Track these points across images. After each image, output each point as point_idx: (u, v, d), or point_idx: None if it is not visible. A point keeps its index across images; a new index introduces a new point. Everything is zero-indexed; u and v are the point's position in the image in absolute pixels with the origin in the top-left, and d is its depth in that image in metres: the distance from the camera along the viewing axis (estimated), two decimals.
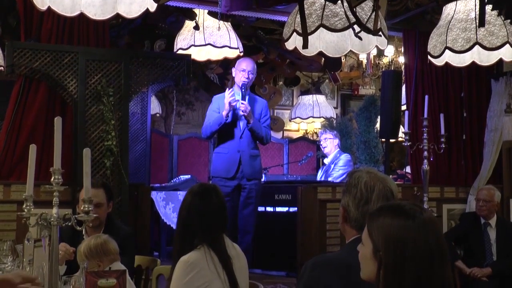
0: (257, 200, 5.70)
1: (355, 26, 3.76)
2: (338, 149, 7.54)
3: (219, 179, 5.58)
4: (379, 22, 3.78)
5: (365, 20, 3.78)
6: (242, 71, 5.65)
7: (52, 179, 2.39)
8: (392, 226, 1.73)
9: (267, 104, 5.98)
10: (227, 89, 5.70)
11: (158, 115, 9.36)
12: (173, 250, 3.04)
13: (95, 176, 4.79)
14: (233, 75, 5.82)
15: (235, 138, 5.64)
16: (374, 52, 9.06)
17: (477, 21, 4.09)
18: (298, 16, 3.93)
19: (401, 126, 6.51)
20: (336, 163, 7.38)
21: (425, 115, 5.70)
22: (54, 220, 2.36)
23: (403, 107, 6.69)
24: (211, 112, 5.72)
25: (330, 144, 7.51)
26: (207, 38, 6.21)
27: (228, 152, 5.63)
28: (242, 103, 5.57)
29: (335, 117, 10.27)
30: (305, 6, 3.92)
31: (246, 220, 5.61)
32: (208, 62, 7.20)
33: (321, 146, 7.75)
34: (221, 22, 6.01)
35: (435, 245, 1.71)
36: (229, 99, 5.53)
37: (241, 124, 5.65)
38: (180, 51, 6.25)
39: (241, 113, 5.58)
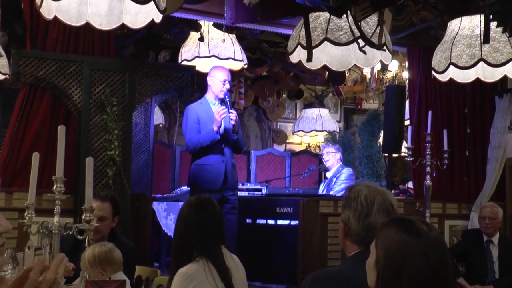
0: (237, 211, 5.66)
1: (360, 41, 3.77)
2: (341, 163, 7.53)
3: (202, 192, 5.38)
4: (383, 37, 3.79)
5: (370, 34, 3.79)
6: (223, 82, 5.52)
7: (54, 188, 2.39)
8: (394, 240, 1.72)
9: (237, 114, 5.85)
10: (217, 103, 5.59)
11: (161, 125, 9.36)
12: (170, 262, 3.03)
13: (97, 187, 4.79)
14: (209, 83, 5.61)
15: (219, 149, 5.51)
16: (378, 66, 9.07)
17: (482, 37, 4.10)
18: (303, 29, 3.94)
19: (404, 141, 6.50)
20: (338, 177, 7.37)
21: (428, 131, 5.69)
22: (55, 229, 2.36)
23: (406, 122, 6.68)
24: (193, 125, 5.53)
25: (332, 158, 7.50)
26: (212, 50, 6.23)
27: (214, 163, 5.48)
28: (231, 113, 5.47)
29: (338, 131, 10.25)
30: (310, 19, 3.94)
31: (231, 230, 5.48)
32: None
33: (323, 160, 7.73)
34: (226, 34, 6.03)
35: (437, 267, 1.68)
36: (220, 113, 5.39)
37: (224, 134, 5.52)
38: (184, 62, 6.27)
39: (232, 122, 5.48)
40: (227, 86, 5.56)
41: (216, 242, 2.98)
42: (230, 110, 5.50)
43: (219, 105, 5.52)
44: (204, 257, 2.90)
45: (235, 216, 5.61)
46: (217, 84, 5.56)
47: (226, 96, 5.52)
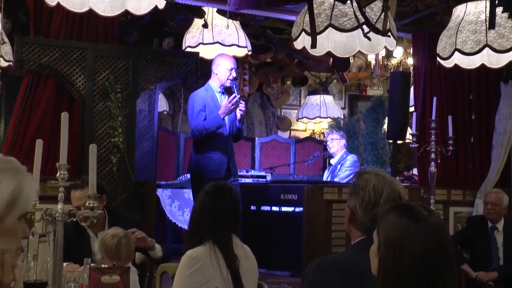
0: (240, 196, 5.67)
1: (364, 27, 3.75)
2: (345, 149, 7.52)
3: (207, 181, 5.38)
4: (388, 23, 3.77)
5: (374, 20, 3.77)
6: (230, 69, 5.49)
7: (57, 175, 2.39)
8: (394, 226, 1.71)
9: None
10: (220, 86, 5.58)
11: (165, 112, 9.36)
12: (184, 247, 3.07)
13: (101, 173, 4.79)
14: (216, 71, 5.55)
15: (222, 138, 5.49)
16: (382, 53, 9.03)
17: (487, 23, 4.07)
18: (307, 15, 3.92)
19: (408, 128, 6.48)
20: (342, 163, 7.36)
21: (433, 117, 5.67)
22: (59, 216, 2.36)
23: (411, 109, 6.66)
24: (199, 112, 5.47)
25: (336, 144, 7.48)
26: (216, 36, 6.20)
27: (217, 153, 5.46)
28: (241, 102, 5.46)
29: (342, 117, 10.24)
30: (314, 5, 3.91)
31: None
32: None
33: (327, 147, 7.72)
34: (230, 20, 6.00)
35: (437, 252, 1.67)
36: (233, 101, 5.34)
37: (227, 123, 5.51)
38: (188, 49, 6.25)
39: (240, 112, 5.48)
40: (234, 74, 5.53)
41: (228, 228, 2.99)
42: (241, 100, 5.49)
43: (224, 95, 5.48)
44: (211, 241, 2.92)
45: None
46: (224, 72, 5.51)
47: (234, 86, 5.49)
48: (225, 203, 3.00)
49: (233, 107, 5.38)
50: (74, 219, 2.39)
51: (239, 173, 6.07)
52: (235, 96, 5.37)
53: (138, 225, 3.67)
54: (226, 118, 5.47)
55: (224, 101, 5.45)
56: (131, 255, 3.18)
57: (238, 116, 5.53)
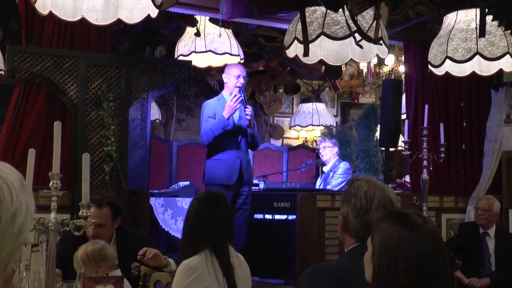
0: (251, 206, 5.71)
1: (356, 35, 3.77)
2: (337, 157, 7.54)
3: (217, 187, 5.42)
4: (380, 31, 3.79)
5: (366, 28, 3.79)
6: (237, 77, 5.57)
7: (50, 184, 2.38)
8: (389, 233, 1.72)
9: (252, 109, 5.91)
10: (229, 94, 5.62)
11: (158, 121, 9.35)
12: (179, 256, 3.06)
13: (94, 182, 4.78)
14: (225, 80, 5.69)
15: (234, 144, 5.57)
16: (374, 61, 9.06)
17: (478, 31, 4.10)
18: (299, 24, 3.94)
19: (401, 135, 6.50)
20: (335, 171, 7.37)
21: (425, 125, 5.70)
22: (52, 225, 2.35)
23: (403, 116, 6.69)
24: (208, 119, 5.58)
25: (329, 152, 7.50)
26: (208, 45, 6.21)
27: (229, 159, 5.54)
28: (247, 108, 5.54)
29: (334, 125, 10.26)
30: (307, 14, 3.93)
31: (241, 225, 5.58)
32: (209, 68, 7.21)
33: (320, 154, 7.73)
34: (222, 29, 6.02)
35: (432, 259, 1.68)
36: (234, 99, 5.42)
37: (239, 129, 5.61)
38: (181, 58, 6.25)
39: (247, 117, 5.54)
40: (241, 80, 5.59)
41: (223, 237, 2.98)
42: (246, 106, 5.52)
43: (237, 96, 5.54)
44: (208, 250, 2.91)
45: (246, 212, 5.64)
46: (231, 79, 5.61)
47: (241, 93, 5.53)
48: (221, 211, 3.00)
49: (235, 105, 5.44)
50: (67, 229, 2.39)
51: None
52: (235, 95, 5.44)
53: (145, 243, 3.68)
54: (235, 121, 5.53)
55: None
56: (115, 257, 3.15)
57: (246, 122, 5.58)
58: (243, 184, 5.58)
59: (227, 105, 5.47)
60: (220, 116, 5.47)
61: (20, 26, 5.21)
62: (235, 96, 5.45)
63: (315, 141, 10.30)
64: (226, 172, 5.53)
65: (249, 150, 5.81)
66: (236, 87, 5.56)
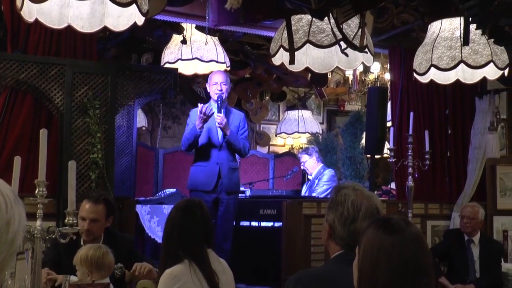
0: (234, 215, 5.72)
1: (342, 43, 3.80)
2: (321, 164, 7.57)
3: (197, 193, 5.54)
4: (365, 39, 3.82)
5: (352, 36, 3.82)
6: (214, 84, 5.64)
7: (36, 191, 2.38)
8: (371, 238, 1.74)
9: (244, 116, 5.97)
10: (199, 104, 5.67)
11: (144, 128, 9.33)
12: (159, 264, 3.06)
13: (80, 190, 4.76)
14: (208, 90, 5.80)
15: (214, 151, 5.63)
16: (360, 68, 9.11)
17: (462, 39, 4.15)
18: (285, 31, 3.96)
19: (386, 143, 6.54)
20: (320, 178, 7.40)
21: (410, 132, 5.73)
22: (38, 233, 2.34)
23: (389, 124, 6.73)
24: (188, 126, 5.75)
25: (310, 163, 7.55)
26: (194, 52, 6.22)
27: (207, 165, 5.61)
28: (217, 115, 5.56)
29: (320, 132, 10.29)
30: (292, 22, 3.96)
31: (224, 233, 5.60)
32: (195, 76, 7.21)
33: (305, 170, 7.78)
34: (209, 36, 6.04)
35: (413, 262, 1.69)
36: (203, 110, 5.48)
37: (220, 136, 5.64)
38: (167, 65, 6.26)
39: (217, 125, 5.57)
40: (218, 88, 5.62)
41: (202, 244, 2.99)
42: (217, 114, 5.54)
43: (206, 105, 5.56)
44: (189, 258, 2.91)
45: (229, 221, 5.65)
46: (210, 87, 5.70)
47: (219, 99, 5.57)
48: (196, 218, 3.02)
49: (202, 115, 5.48)
50: (53, 236, 2.38)
51: None
52: (203, 106, 5.51)
53: (132, 247, 3.82)
54: (216, 131, 5.61)
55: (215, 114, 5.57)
56: (112, 267, 3.18)
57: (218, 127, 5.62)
58: (222, 191, 5.59)
59: (198, 115, 5.54)
60: (193, 125, 5.58)
61: (5, 33, 5.18)
62: (202, 107, 5.50)
63: (301, 148, 10.32)
64: (203, 178, 5.61)
65: (236, 157, 5.81)
66: (215, 93, 5.60)
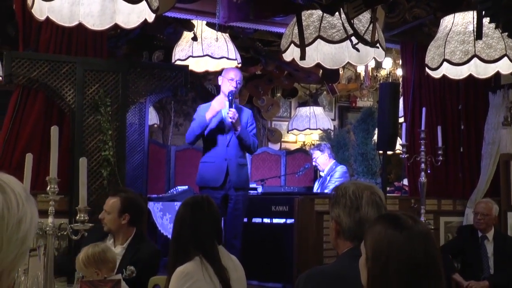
0: (244, 212, 5.68)
1: (353, 38, 3.77)
2: (333, 160, 7.53)
3: (207, 190, 5.49)
4: (376, 34, 3.80)
5: (363, 32, 3.80)
6: (231, 80, 5.57)
7: (48, 188, 2.38)
8: (380, 235, 1.73)
9: (252, 113, 5.94)
10: (224, 96, 5.65)
11: (156, 125, 9.35)
12: (168, 261, 3.05)
13: (92, 187, 4.79)
14: (220, 83, 5.70)
15: (222, 147, 5.58)
16: (372, 64, 9.07)
17: (475, 33, 4.11)
18: (296, 27, 3.95)
19: (398, 138, 6.50)
20: (332, 175, 7.37)
21: (423, 127, 5.70)
22: (50, 230, 2.35)
23: (401, 119, 6.69)
24: (194, 119, 5.72)
25: (322, 159, 7.51)
26: (205, 49, 6.22)
27: (215, 161, 5.57)
28: (230, 110, 5.52)
29: (332, 129, 10.26)
30: (303, 17, 3.94)
31: (234, 229, 5.58)
32: (206, 73, 7.21)
33: (317, 167, 7.75)
34: (219, 33, 6.03)
35: (423, 259, 1.69)
36: (220, 100, 5.47)
37: (228, 132, 5.61)
38: (178, 62, 6.26)
39: (229, 119, 5.52)
40: (234, 84, 5.58)
41: (211, 241, 2.98)
42: (230, 109, 5.52)
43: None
44: (200, 255, 2.91)
45: (238, 218, 5.62)
46: (225, 82, 5.61)
47: (230, 94, 5.54)
48: (205, 215, 3.01)
49: (218, 107, 5.49)
50: (65, 233, 2.38)
51: None
52: (235, 113, 5.47)
53: (153, 261, 3.88)
54: (224, 126, 5.57)
55: (226, 109, 5.54)
56: (116, 262, 3.17)
57: (229, 122, 5.60)
58: (231, 188, 5.58)
59: (211, 106, 5.52)
60: (202, 116, 5.54)
61: (17, 31, 5.21)
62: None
63: (313, 144, 10.30)
64: (212, 175, 5.56)
65: (246, 153, 5.80)
66: (228, 90, 5.56)
